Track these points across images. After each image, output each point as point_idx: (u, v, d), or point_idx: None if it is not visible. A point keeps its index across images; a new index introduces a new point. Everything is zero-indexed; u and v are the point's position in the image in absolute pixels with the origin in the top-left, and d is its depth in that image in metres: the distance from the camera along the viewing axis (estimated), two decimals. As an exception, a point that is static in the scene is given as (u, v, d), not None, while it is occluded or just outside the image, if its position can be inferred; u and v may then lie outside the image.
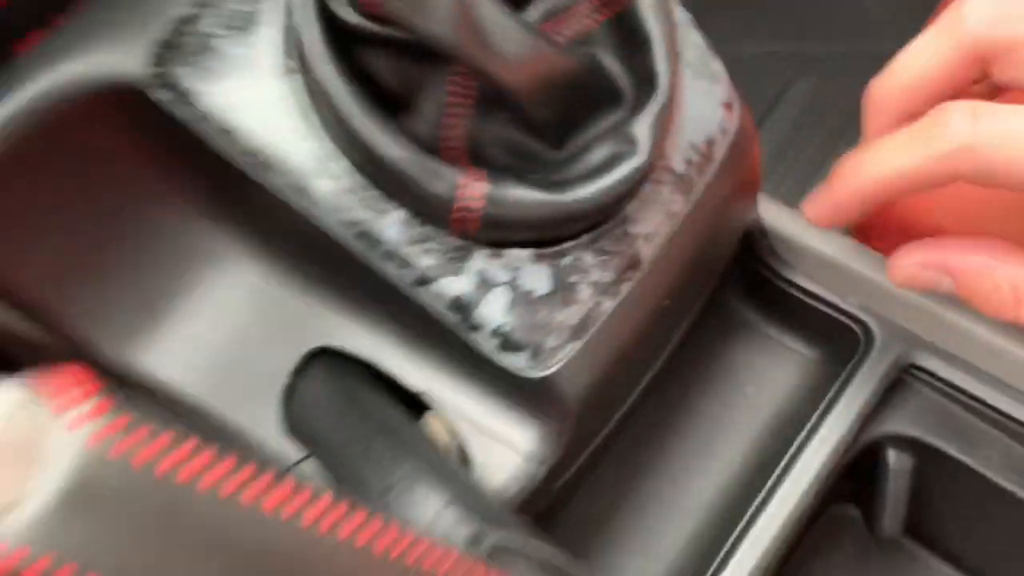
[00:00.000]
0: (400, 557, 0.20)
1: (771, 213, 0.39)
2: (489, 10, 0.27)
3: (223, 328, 0.35)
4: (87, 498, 0.16)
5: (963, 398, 0.38)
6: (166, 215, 0.35)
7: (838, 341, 0.40)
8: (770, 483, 0.37)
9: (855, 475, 0.41)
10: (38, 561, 0.16)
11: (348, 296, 0.34)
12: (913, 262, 0.34)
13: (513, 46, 0.28)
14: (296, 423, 0.35)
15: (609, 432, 0.36)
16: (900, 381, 0.39)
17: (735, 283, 0.41)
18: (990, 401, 0.37)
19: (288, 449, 0.35)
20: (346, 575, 0.19)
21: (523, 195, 0.29)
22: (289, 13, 0.30)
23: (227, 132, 0.30)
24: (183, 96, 0.30)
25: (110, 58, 0.31)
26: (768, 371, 0.42)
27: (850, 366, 0.39)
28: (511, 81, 0.28)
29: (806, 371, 0.42)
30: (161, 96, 0.31)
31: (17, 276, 0.33)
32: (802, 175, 0.82)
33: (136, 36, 0.31)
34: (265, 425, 0.35)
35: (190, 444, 0.17)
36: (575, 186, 0.29)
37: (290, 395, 0.35)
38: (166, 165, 0.33)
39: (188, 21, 0.31)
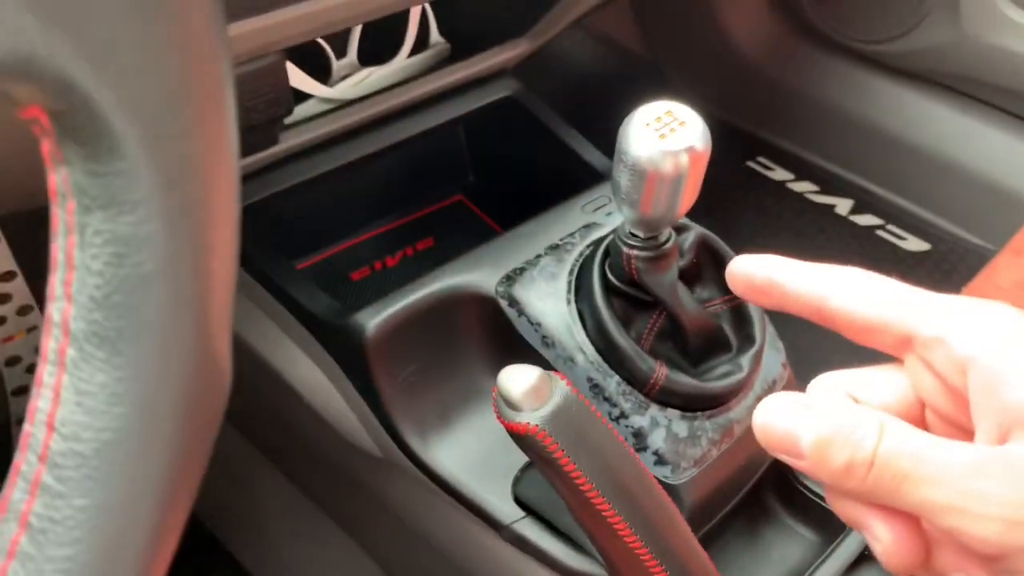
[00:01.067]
0: None
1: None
2: (684, 291, 0.57)
3: (485, 436, 0.62)
4: (566, 410, 0.43)
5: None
6: (471, 366, 0.63)
7: (829, 525, 0.65)
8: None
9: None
10: (542, 434, 0.43)
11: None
12: None
13: (691, 309, 0.58)
14: (520, 496, 0.60)
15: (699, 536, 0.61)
16: (869, 553, 0.64)
17: (769, 483, 0.68)
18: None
19: (512, 510, 0.59)
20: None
21: (685, 380, 0.57)
22: (572, 272, 0.61)
23: (537, 324, 0.59)
24: (516, 304, 0.60)
25: (481, 279, 0.61)
26: (781, 543, 0.67)
27: (839, 538, 0.64)
28: (687, 323, 0.58)
29: (805, 547, 0.67)
30: (502, 302, 0.61)
31: (388, 390, 0.61)
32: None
33: (495, 270, 0.62)
34: (501, 495, 0.60)
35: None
36: (710, 382, 0.58)
37: (518, 480, 0.60)
38: (484, 339, 0.62)
39: (520, 270, 0.62)
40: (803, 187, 1.47)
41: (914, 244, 1.40)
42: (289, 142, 0.67)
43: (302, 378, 0.66)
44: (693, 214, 0.58)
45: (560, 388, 0.43)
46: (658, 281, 0.57)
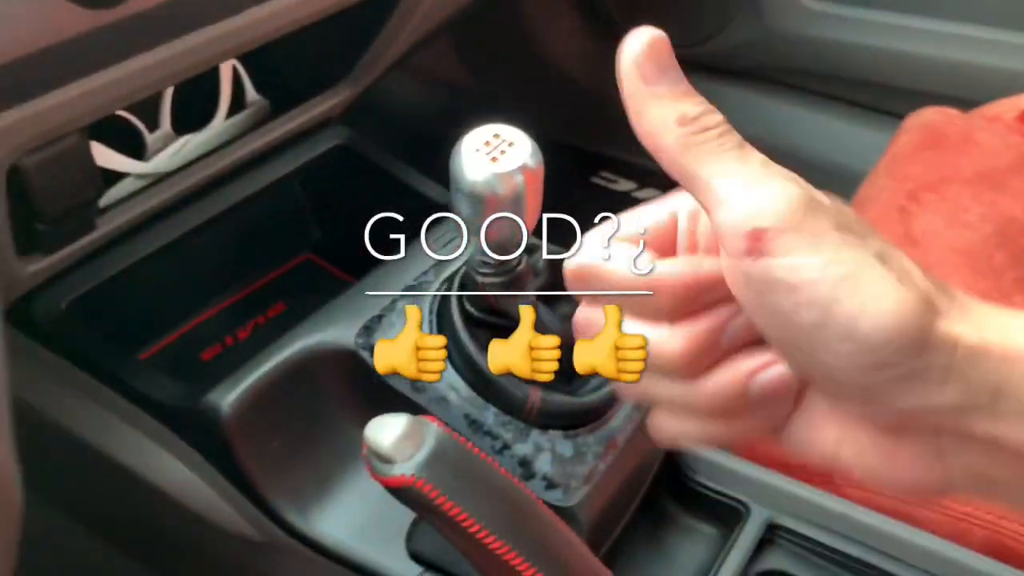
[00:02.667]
0: None
1: (682, 440, 0.67)
2: (545, 312, 0.57)
3: (367, 496, 0.59)
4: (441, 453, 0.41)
5: (808, 544, 0.64)
6: (341, 425, 0.60)
7: (726, 517, 0.66)
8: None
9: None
10: (420, 483, 0.40)
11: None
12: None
13: (555, 328, 0.57)
14: (415, 552, 0.57)
15: (601, 554, 0.60)
16: (768, 538, 0.64)
17: (662, 485, 0.68)
18: (826, 542, 0.63)
19: (409, 568, 0.57)
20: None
21: (560, 399, 0.56)
22: (432, 311, 0.59)
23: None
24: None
25: (338, 334, 0.59)
26: (684, 543, 0.67)
27: (737, 528, 0.64)
28: (552, 343, 0.57)
29: (707, 542, 0.67)
30: (363, 354, 0.58)
31: (256, 469, 0.57)
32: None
33: (352, 322, 0.59)
34: (391, 553, 0.57)
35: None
36: (586, 395, 0.57)
37: (410, 534, 0.58)
38: (351, 395, 0.59)
39: (378, 318, 0.60)
40: (648, 194, 1.52)
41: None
42: (108, 225, 0.63)
43: (162, 473, 0.61)
44: (549, 237, 0.58)
45: (431, 431, 0.41)
46: (516, 306, 0.56)
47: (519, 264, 0.55)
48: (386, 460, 0.40)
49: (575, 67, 1.53)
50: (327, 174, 0.79)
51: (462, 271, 0.58)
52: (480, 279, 0.54)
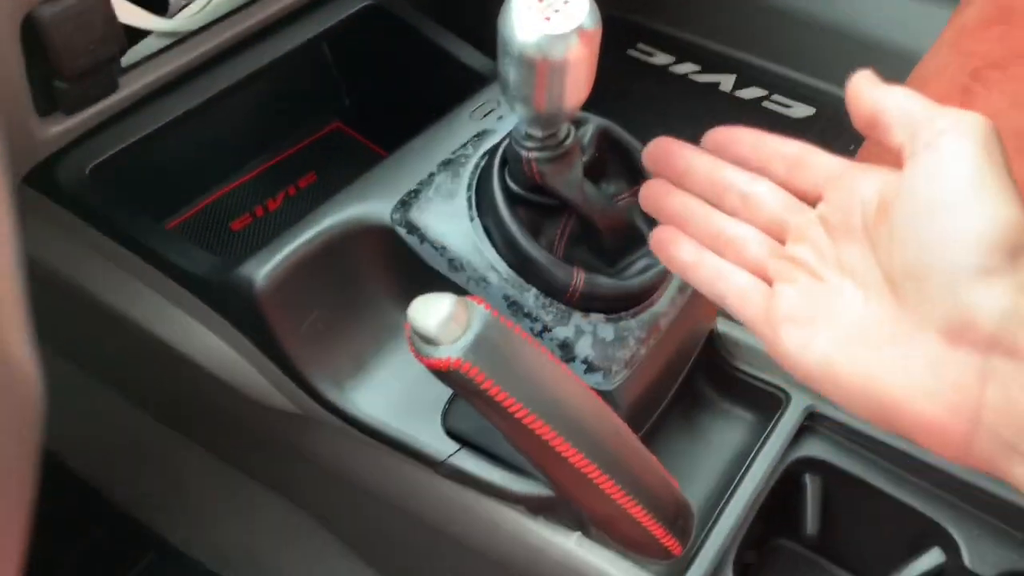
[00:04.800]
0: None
1: (723, 325, 0.65)
2: (592, 189, 0.54)
3: (404, 373, 0.58)
4: (487, 336, 0.39)
5: (847, 432, 0.63)
6: (378, 303, 0.58)
7: (766, 404, 0.64)
8: (728, 492, 0.60)
9: (783, 500, 0.63)
10: (465, 366, 0.39)
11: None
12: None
13: (602, 206, 0.54)
14: (452, 429, 0.56)
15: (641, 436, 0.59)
16: (807, 425, 0.63)
17: (701, 371, 0.66)
18: (865, 431, 0.62)
19: (444, 446, 0.56)
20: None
21: (605, 281, 0.54)
22: (471, 187, 0.57)
23: (442, 248, 0.55)
24: (416, 230, 0.55)
25: (373, 208, 0.56)
26: (721, 428, 0.66)
27: (776, 416, 0.63)
28: (599, 222, 0.54)
29: (745, 428, 0.66)
30: (399, 230, 0.56)
31: (292, 343, 0.56)
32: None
33: (387, 196, 0.57)
34: (427, 431, 0.56)
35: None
36: (630, 279, 0.55)
37: (447, 412, 0.57)
38: (388, 272, 0.58)
39: (414, 192, 0.57)
40: (685, 68, 1.45)
41: (800, 111, 1.40)
42: (132, 86, 0.59)
43: (196, 345, 0.60)
44: (584, 109, 0.54)
45: (478, 313, 0.39)
46: (563, 182, 0.53)
47: (567, 138, 0.52)
48: (431, 341, 0.38)
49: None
50: (358, 36, 0.75)
51: (504, 144, 0.55)
52: (524, 153, 0.51)
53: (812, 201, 0.40)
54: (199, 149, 0.70)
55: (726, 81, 1.42)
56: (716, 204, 0.43)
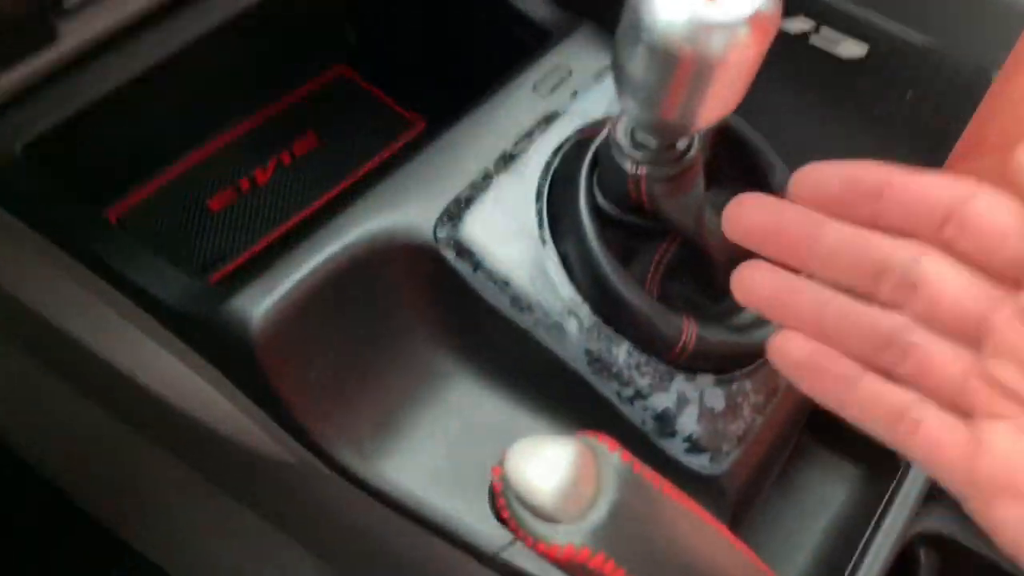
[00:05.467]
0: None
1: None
2: (710, 215, 0.40)
3: (444, 433, 0.45)
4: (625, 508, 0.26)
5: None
6: (410, 344, 0.44)
7: (881, 460, 0.52)
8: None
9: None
10: (597, 558, 0.25)
11: (552, 411, 0.44)
12: None
13: (719, 236, 0.40)
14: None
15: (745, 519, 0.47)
16: (930, 492, 0.51)
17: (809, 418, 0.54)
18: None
19: (497, 533, 0.43)
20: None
21: (722, 335, 0.40)
22: (541, 197, 0.42)
23: (506, 283, 0.41)
24: (468, 254, 0.41)
25: (410, 220, 0.42)
26: (822, 484, 0.54)
27: (895, 482, 0.51)
28: (716, 255, 0.41)
29: (852, 485, 0.54)
30: (446, 253, 0.41)
31: (297, 397, 0.42)
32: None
33: (427, 203, 0.42)
34: (475, 512, 0.44)
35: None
36: (751, 331, 0.41)
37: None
38: (426, 305, 0.43)
39: (465, 200, 0.42)
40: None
41: (850, 48, 1.25)
42: (77, 35, 0.43)
43: (170, 384, 0.46)
44: None
45: (614, 470, 0.26)
46: (680, 207, 0.39)
47: (690, 148, 0.37)
48: (545, 517, 0.25)
49: None
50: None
51: (597, 144, 0.40)
52: (631, 168, 0.37)
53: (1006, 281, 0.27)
54: (167, 108, 0.54)
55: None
56: (863, 292, 0.29)
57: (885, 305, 0.28)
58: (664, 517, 0.26)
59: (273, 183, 0.59)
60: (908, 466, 0.51)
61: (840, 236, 0.29)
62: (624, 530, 0.25)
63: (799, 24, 1.26)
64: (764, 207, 0.31)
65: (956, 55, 1.23)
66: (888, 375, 0.28)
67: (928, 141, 1.10)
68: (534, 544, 0.26)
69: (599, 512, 0.25)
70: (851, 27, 1.26)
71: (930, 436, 0.27)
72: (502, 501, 0.26)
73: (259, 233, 0.56)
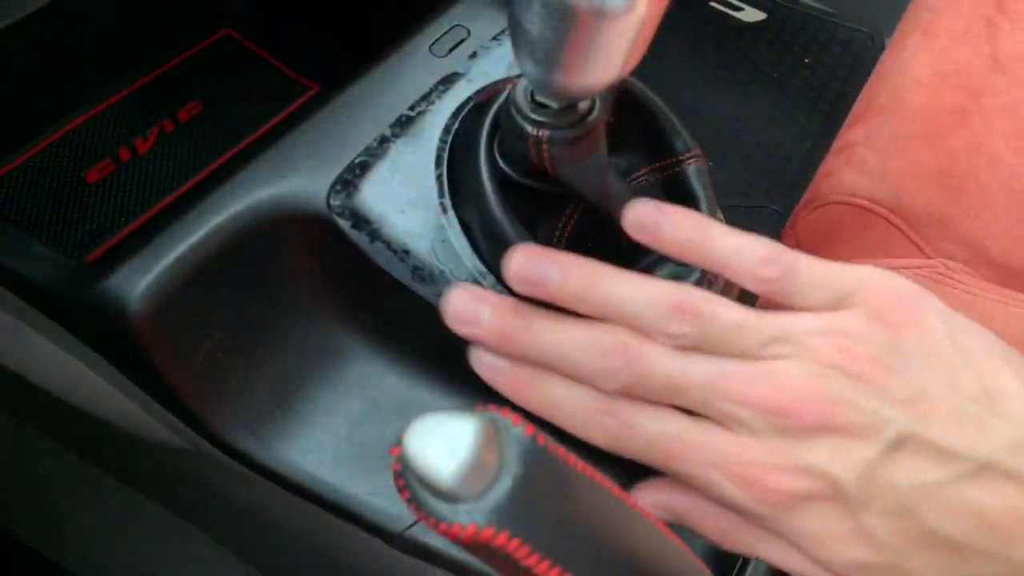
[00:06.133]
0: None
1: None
2: (612, 178, 0.39)
3: (344, 412, 0.43)
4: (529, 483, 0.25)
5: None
6: (305, 318, 0.42)
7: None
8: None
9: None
10: (501, 536, 0.24)
11: (456, 386, 0.43)
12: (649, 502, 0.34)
13: (624, 197, 0.39)
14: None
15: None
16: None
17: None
18: None
19: (404, 512, 0.42)
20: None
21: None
22: (440, 163, 0.41)
23: (405, 252, 0.39)
24: (364, 223, 0.39)
25: (302, 187, 0.39)
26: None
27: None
28: (619, 218, 0.40)
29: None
30: (341, 222, 0.39)
31: (183, 380, 0.39)
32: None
33: (321, 169, 0.40)
34: (381, 491, 0.42)
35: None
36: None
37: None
38: (319, 279, 0.41)
39: (361, 166, 0.40)
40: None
41: (750, 14, 1.26)
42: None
43: (44, 369, 0.43)
44: None
45: (516, 444, 0.25)
46: (582, 171, 0.37)
47: (592, 110, 0.36)
48: (444, 496, 0.24)
49: None
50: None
51: (497, 107, 0.39)
52: (532, 131, 0.36)
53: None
54: (37, 68, 0.50)
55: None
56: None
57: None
58: (573, 492, 0.25)
59: (155, 152, 0.55)
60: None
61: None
62: (530, 507, 0.24)
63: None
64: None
65: (852, 22, 1.26)
66: None
67: (824, 104, 1.12)
68: (436, 526, 0.24)
69: (502, 488, 0.24)
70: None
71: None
72: (401, 482, 0.25)
73: (140, 207, 0.52)
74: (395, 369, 0.44)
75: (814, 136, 1.09)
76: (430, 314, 0.40)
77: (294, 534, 0.48)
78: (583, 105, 0.36)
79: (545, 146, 0.36)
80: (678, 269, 0.42)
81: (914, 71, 0.67)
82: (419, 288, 0.40)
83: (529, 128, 0.35)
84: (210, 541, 0.64)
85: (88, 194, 0.53)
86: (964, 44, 0.69)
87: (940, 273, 0.60)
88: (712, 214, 0.43)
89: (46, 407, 0.46)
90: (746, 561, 0.47)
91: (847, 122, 0.69)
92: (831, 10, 1.22)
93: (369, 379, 0.43)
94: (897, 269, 0.40)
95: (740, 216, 1.05)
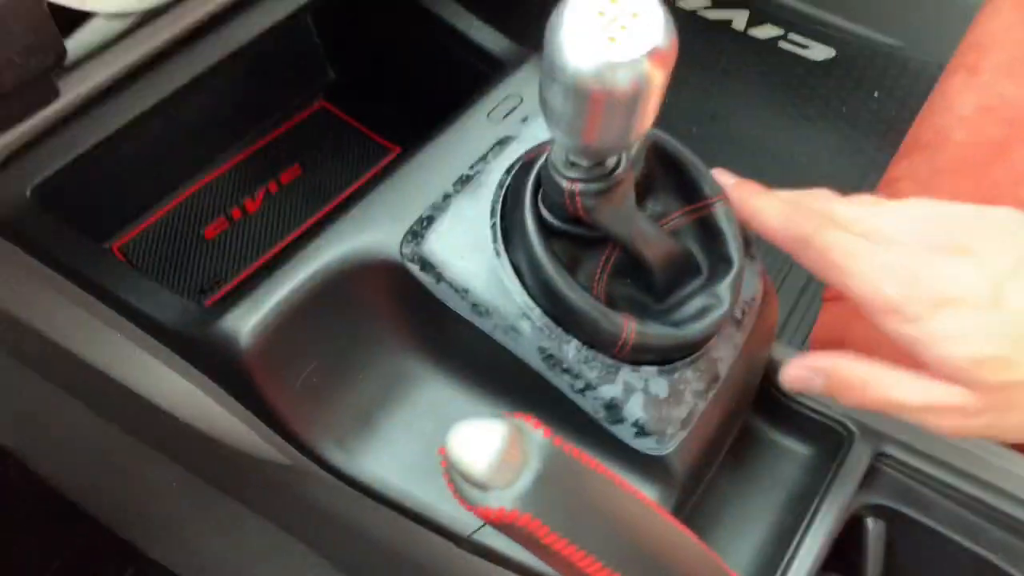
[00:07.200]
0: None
1: (776, 351, 0.57)
2: (644, 220, 0.44)
3: (420, 429, 0.50)
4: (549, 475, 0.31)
5: (918, 475, 0.55)
6: (386, 349, 0.49)
7: (827, 439, 0.57)
8: (791, 549, 0.53)
9: (842, 544, 0.57)
10: (524, 518, 0.30)
11: (514, 405, 0.49)
12: (797, 368, 0.45)
13: (656, 239, 0.45)
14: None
15: (694, 500, 0.52)
16: (873, 466, 0.56)
17: (755, 404, 0.58)
18: (938, 476, 0.55)
19: (470, 518, 0.48)
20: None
21: (659, 330, 0.45)
22: (495, 213, 0.47)
23: (465, 291, 0.46)
24: (431, 268, 0.46)
25: (379, 240, 0.47)
26: (776, 466, 0.59)
27: (839, 456, 0.56)
28: (650, 257, 0.45)
29: (802, 464, 0.59)
30: (412, 267, 0.46)
31: (284, 403, 0.47)
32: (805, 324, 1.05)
33: (394, 223, 0.47)
34: (450, 499, 0.48)
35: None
36: (688, 325, 0.46)
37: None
38: (398, 315, 0.48)
39: (427, 220, 0.47)
40: (695, 3, 1.33)
41: (819, 52, 1.30)
42: (77, 88, 0.49)
43: (168, 395, 0.51)
44: None
45: (536, 445, 0.31)
46: (614, 216, 0.43)
47: (618, 165, 0.42)
48: (479, 486, 0.30)
49: None
50: (343, 4, 0.64)
51: (539, 164, 0.45)
52: (566, 185, 0.42)
53: None
54: (162, 145, 0.59)
55: (738, 18, 1.30)
56: None
57: None
58: (583, 483, 0.31)
59: (262, 211, 0.64)
60: (852, 443, 0.56)
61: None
62: (548, 494, 0.30)
63: (768, 31, 1.32)
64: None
65: (920, 55, 1.28)
66: None
67: (894, 135, 1.15)
68: (472, 509, 0.30)
69: (525, 480, 0.30)
70: (818, 32, 1.32)
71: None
72: (447, 476, 0.31)
73: (249, 258, 0.61)
74: (460, 391, 0.50)
75: (882, 168, 1.11)
76: (488, 343, 0.47)
77: (376, 539, 0.54)
78: (610, 161, 0.42)
79: (578, 197, 0.42)
80: (707, 301, 0.47)
81: (957, 108, 0.70)
82: (478, 321, 0.46)
83: (564, 183, 0.42)
84: (304, 551, 0.72)
85: (206, 248, 0.62)
86: (1009, 78, 0.72)
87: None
88: (738, 248, 0.48)
89: (166, 429, 0.54)
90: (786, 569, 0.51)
91: (894, 159, 0.73)
92: (900, 43, 1.25)
93: (439, 400, 0.50)
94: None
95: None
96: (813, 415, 0.57)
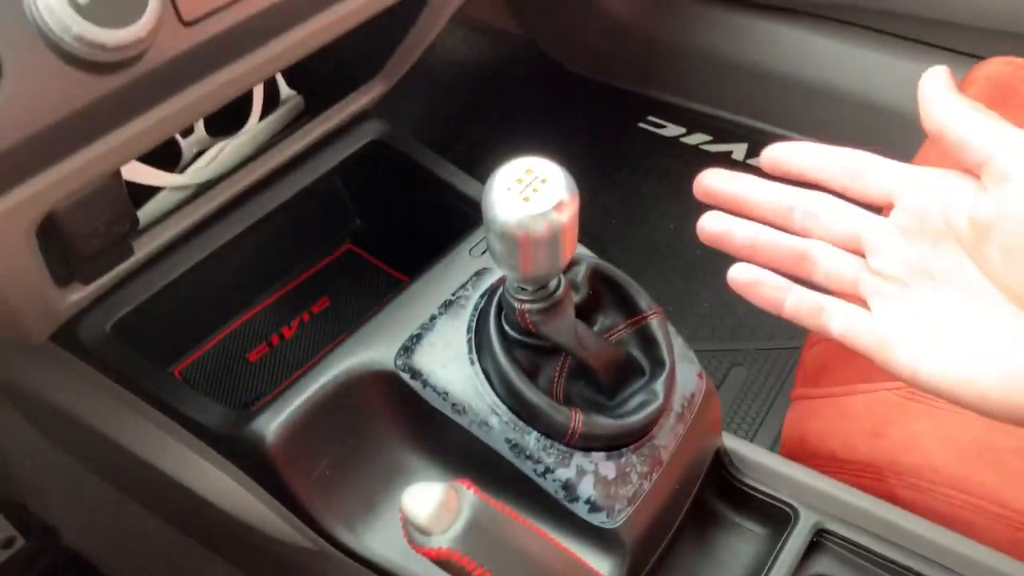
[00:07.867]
0: None
1: (730, 441, 0.66)
2: (585, 331, 0.55)
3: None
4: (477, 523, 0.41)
5: (858, 550, 0.63)
6: (385, 445, 0.60)
7: (775, 518, 0.65)
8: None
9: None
10: (456, 555, 0.40)
11: (492, 488, 0.59)
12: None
13: (595, 347, 0.56)
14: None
15: (648, 570, 0.60)
16: (816, 541, 0.64)
17: (710, 486, 0.67)
18: (873, 548, 0.62)
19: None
20: None
21: (603, 421, 0.56)
22: (470, 330, 0.59)
23: (445, 393, 0.57)
24: (419, 376, 0.58)
25: (378, 355, 0.58)
26: (731, 543, 0.67)
27: (786, 532, 0.64)
28: (594, 363, 0.56)
29: (756, 542, 0.66)
30: (404, 376, 0.58)
31: (303, 491, 0.58)
32: (749, 418, 1.12)
33: (391, 341, 0.59)
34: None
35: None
36: (629, 417, 0.56)
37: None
38: (394, 416, 0.60)
39: (417, 337, 0.59)
40: (696, 139, 1.47)
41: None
42: (147, 247, 0.63)
43: (213, 489, 0.63)
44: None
45: (467, 500, 0.41)
46: (556, 330, 0.55)
47: (557, 288, 0.54)
48: (423, 531, 0.40)
49: (626, 9, 1.47)
50: (365, 165, 0.78)
51: (500, 291, 0.57)
52: (517, 305, 0.53)
53: (880, 210, 0.41)
54: (215, 288, 0.73)
55: (738, 150, 1.44)
56: (782, 228, 0.43)
57: (798, 233, 0.43)
58: (504, 528, 0.41)
59: (297, 337, 0.77)
60: (796, 520, 0.64)
61: (758, 187, 0.44)
62: (476, 537, 0.40)
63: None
64: (715, 175, 0.46)
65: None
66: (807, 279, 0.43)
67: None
68: (420, 550, 0.41)
69: (458, 526, 0.40)
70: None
71: (847, 318, 0.41)
72: (403, 525, 0.41)
73: (286, 376, 0.74)
74: (447, 477, 0.60)
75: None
76: (465, 435, 0.57)
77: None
78: (552, 284, 0.53)
79: (527, 315, 0.53)
80: (646, 396, 0.57)
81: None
82: (457, 418, 0.57)
83: (516, 303, 0.53)
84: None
85: (250, 369, 0.75)
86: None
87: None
88: (671, 357, 0.58)
89: (201, 517, 0.65)
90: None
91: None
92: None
93: (432, 488, 0.60)
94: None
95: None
96: (763, 497, 0.66)
